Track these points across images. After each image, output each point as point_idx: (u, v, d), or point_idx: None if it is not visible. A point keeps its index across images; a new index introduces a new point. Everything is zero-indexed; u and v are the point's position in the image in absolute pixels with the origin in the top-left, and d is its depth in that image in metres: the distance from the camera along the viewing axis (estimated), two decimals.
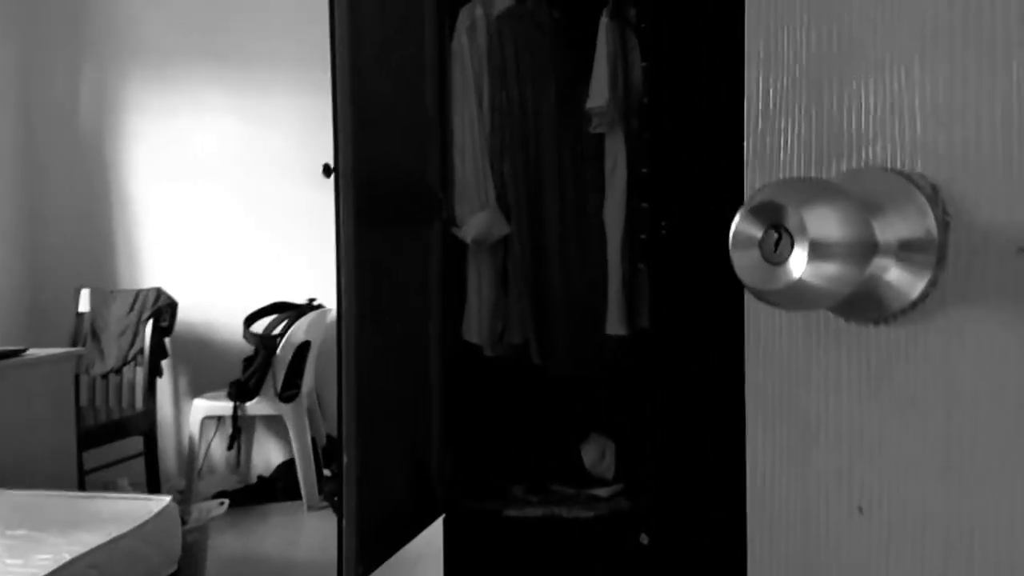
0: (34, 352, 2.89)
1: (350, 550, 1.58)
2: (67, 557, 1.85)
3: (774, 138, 0.52)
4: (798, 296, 0.42)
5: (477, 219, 2.17)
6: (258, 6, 3.85)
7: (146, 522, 2.13)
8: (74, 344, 3.58)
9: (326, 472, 3.61)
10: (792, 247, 0.42)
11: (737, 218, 0.43)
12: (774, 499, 0.53)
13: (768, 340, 0.52)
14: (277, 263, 3.86)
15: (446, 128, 2.18)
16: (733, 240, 0.43)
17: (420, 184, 2.10)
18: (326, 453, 3.69)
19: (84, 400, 3.48)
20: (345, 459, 1.57)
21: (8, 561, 1.84)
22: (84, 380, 3.52)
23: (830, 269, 0.41)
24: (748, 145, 0.54)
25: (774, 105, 0.53)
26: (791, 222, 0.41)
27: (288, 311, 3.63)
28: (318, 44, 3.59)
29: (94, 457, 3.20)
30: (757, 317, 0.53)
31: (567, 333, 2.20)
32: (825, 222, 0.41)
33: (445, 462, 2.04)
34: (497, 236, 2.19)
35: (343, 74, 1.61)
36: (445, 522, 2.02)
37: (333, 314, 3.69)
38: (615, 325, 2.08)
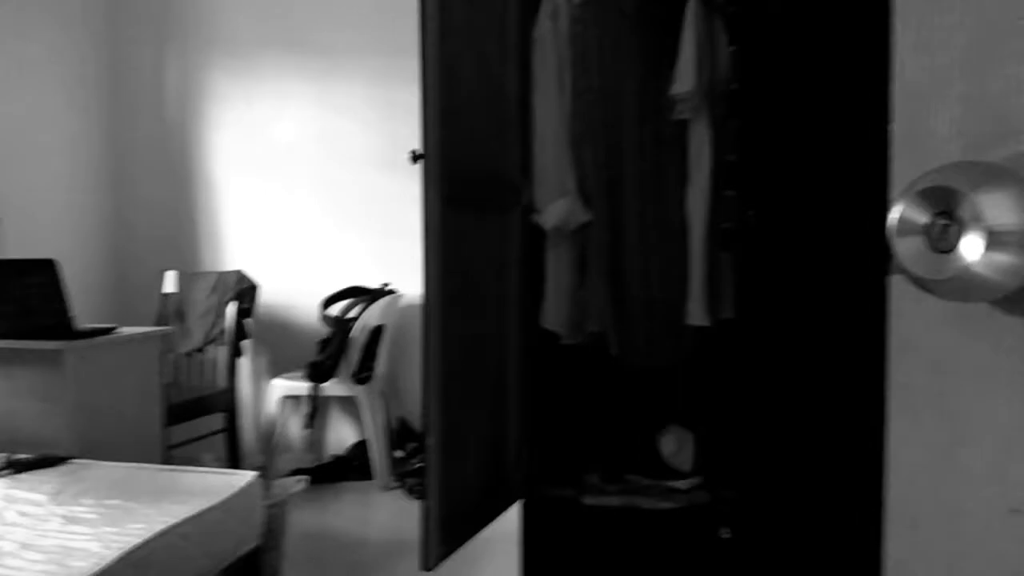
0: (123, 331, 2.99)
1: (433, 530, 1.60)
2: (160, 527, 1.92)
3: (926, 122, 0.50)
4: (967, 287, 0.40)
5: (557, 206, 2.16)
6: None
7: (232, 496, 2.19)
8: (160, 324, 3.72)
9: (397, 453, 3.67)
10: (962, 234, 0.40)
11: (901, 204, 0.42)
12: (918, 496, 0.51)
13: (915, 333, 0.50)
14: (352, 248, 3.93)
15: (527, 114, 2.18)
16: (897, 227, 0.42)
17: (501, 171, 2.10)
18: (398, 435, 3.75)
19: (169, 378, 3.61)
20: (430, 441, 1.59)
21: (105, 528, 1.92)
22: (169, 358, 3.65)
23: (1004, 259, 0.39)
24: (896, 129, 0.52)
25: (926, 88, 0.51)
26: (964, 208, 0.39)
27: (363, 295, 3.69)
28: (391, 33, 3.64)
29: (178, 433, 3.32)
30: (902, 309, 0.51)
31: (646, 323, 2.18)
32: (1002, 209, 0.39)
33: (523, 447, 2.05)
34: (576, 224, 2.18)
35: (432, 62, 1.62)
36: (523, 507, 2.03)
37: (405, 299, 3.75)
38: (697, 315, 2.05)
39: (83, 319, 2.95)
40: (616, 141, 2.20)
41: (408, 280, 3.69)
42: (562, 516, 2.04)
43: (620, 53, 2.20)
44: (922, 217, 0.41)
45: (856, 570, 1.16)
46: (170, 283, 3.87)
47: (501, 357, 2.03)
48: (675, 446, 2.16)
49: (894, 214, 0.42)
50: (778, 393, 1.75)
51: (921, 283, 0.42)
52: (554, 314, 2.18)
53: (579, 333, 2.19)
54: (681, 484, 2.07)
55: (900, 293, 0.51)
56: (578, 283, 2.21)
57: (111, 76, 4.23)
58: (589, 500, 2.04)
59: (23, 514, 2.02)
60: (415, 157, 1.65)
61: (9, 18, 3.67)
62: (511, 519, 2.04)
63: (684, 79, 2.04)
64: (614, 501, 2.02)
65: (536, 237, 2.19)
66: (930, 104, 0.51)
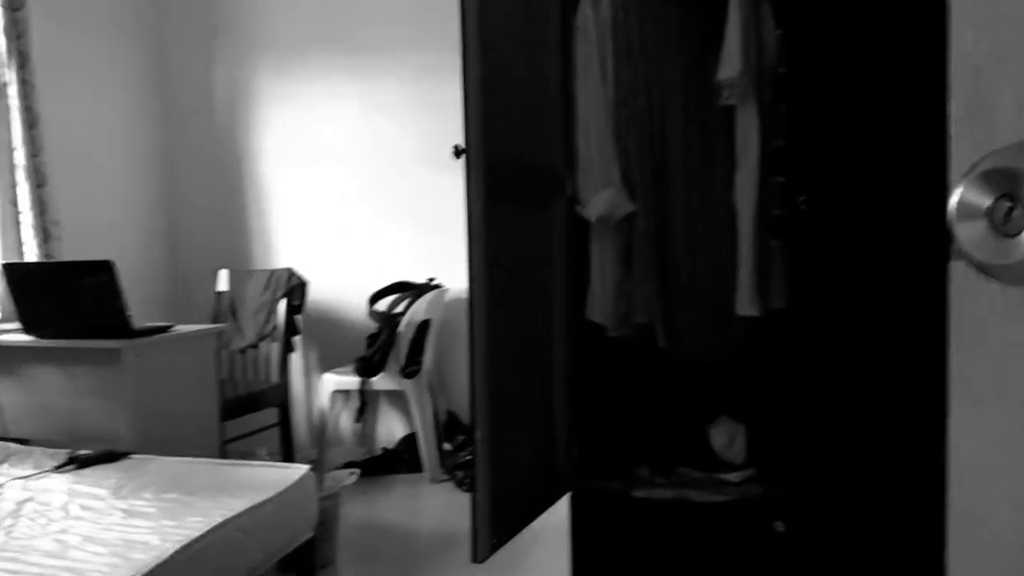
0: (179, 329, 3.06)
1: (484, 522, 1.61)
2: (218, 520, 1.97)
3: (988, 99, 0.48)
4: None
5: (601, 197, 2.14)
6: None
7: (286, 489, 2.23)
8: (214, 321, 3.80)
9: (446, 446, 3.70)
10: None
11: (962, 186, 0.40)
12: (982, 489, 0.49)
13: (978, 321, 0.48)
14: (398, 244, 3.96)
15: (570, 105, 2.16)
16: (957, 210, 0.40)
17: (544, 162, 2.09)
18: (446, 428, 3.78)
19: (223, 374, 3.69)
20: (479, 434, 1.59)
21: (164, 522, 1.97)
22: (223, 355, 3.73)
23: None
24: (955, 107, 0.50)
25: (985, 64, 0.49)
26: None
27: (409, 290, 3.72)
28: (434, 28, 3.65)
29: (233, 427, 3.39)
30: (964, 296, 0.49)
31: (694, 314, 2.15)
32: None
33: (571, 440, 2.04)
34: (621, 214, 2.16)
35: (473, 55, 1.62)
36: (572, 499, 2.03)
37: (451, 293, 3.76)
38: (746, 305, 2.01)
39: (140, 318, 3.02)
40: (661, 129, 2.17)
41: (454, 274, 3.71)
42: (612, 509, 2.03)
43: (663, 40, 2.17)
44: (984, 200, 0.39)
45: (918, 564, 1.13)
46: (223, 281, 3.95)
47: (547, 350, 2.02)
48: (726, 438, 2.13)
49: (954, 197, 0.40)
50: (832, 383, 1.71)
51: (984, 269, 0.40)
52: (600, 306, 2.17)
53: (626, 325, 2.17)
54: (733, 477, 2.04)
55: (962, 279, 0.49)
56: (624, 274, 2.18)
57: (162, 79, 4.33)
58: (639, 493, 2.02)
59: (86, 508, 2.09)
60: (458, 152, 1.65)
61: (64, 26, 3.78)
62: (561, 512, 2.04)
63: (730, 64, 1.99)
64: (664, 494, 2.00)
65: (581, 228, 2.17)
66: (990, 82, 0.49)
